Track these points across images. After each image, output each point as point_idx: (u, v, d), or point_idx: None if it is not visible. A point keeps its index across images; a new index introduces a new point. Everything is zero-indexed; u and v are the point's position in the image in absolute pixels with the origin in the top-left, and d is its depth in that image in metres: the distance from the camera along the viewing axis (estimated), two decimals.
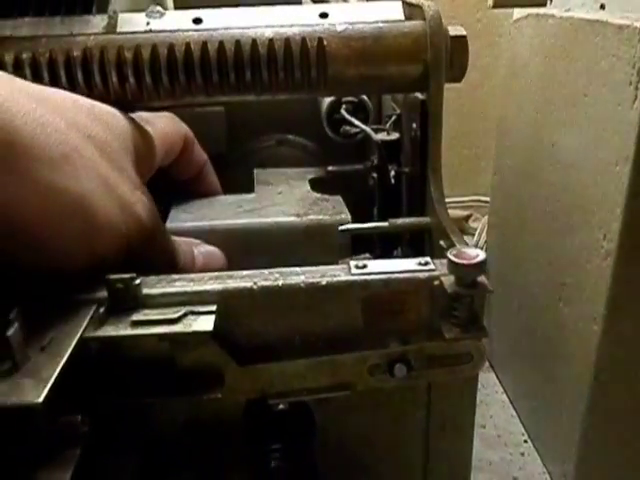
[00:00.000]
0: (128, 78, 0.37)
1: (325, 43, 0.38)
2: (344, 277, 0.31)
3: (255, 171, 0.54)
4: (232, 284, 0.30)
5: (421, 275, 0.31)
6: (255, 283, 0.30)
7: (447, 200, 0.86)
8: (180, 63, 0.37)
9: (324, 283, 0.31)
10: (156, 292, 0.30)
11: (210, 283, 0.30)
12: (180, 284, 0.30)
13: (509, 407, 0.57)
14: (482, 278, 0.29)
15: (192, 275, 0.31)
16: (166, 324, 0.28)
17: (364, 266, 0.32)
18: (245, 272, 0.31)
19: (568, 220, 0.40)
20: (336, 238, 0.41)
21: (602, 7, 0.39)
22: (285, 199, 0.46)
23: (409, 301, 0.31)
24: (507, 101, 0.52)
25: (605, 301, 0.35)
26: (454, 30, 0.40)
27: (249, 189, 0.49)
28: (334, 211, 0.43)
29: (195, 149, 0.45)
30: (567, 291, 0.41)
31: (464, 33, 0.40)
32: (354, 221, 0.43)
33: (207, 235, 0.40)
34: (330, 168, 0.57)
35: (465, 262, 0.29)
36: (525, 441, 0.52)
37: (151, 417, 0.32)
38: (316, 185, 0.51)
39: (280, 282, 0.30)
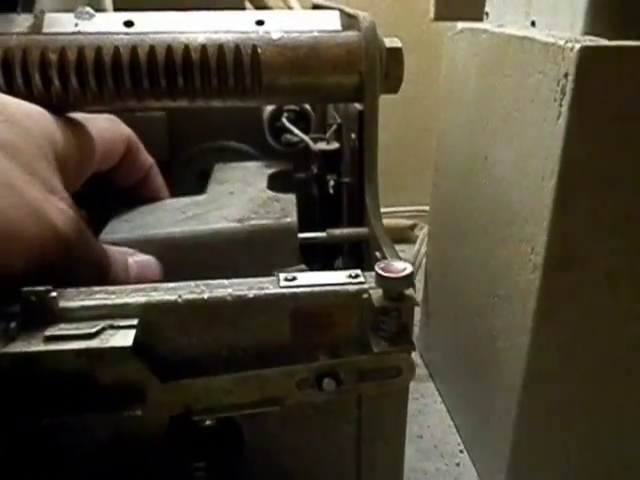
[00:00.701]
0: (53, 81, 0.35)
1: (259, 51, 0.38)
2: (272, 290, 0.30)
3: (215, 166, 0.53)
4: (155, 297, 0.29)
5: (350, 288, 0.31)
6: (180, 296, 0.29)
7: (393, 209, 0.86)
8: (108, 67, 0.36)
9: (251, 296, 0.30)
10: (74, 305, 0.28)
11: (132, 296, 0.29)
12: (100, 297, 0.29)
13: (447, 417, 0.57)
14: (409, 291, 0.29)
15: (113, 287, 0.30)
16: (82, 339, 0.27)
17: (293, 278, 0.31)
18: (170, 284, 0.30)
19: (500, 233, 0.40)
20: (282, 243, 0.40)
21: (533, 24, 0.40)
22: (234, 201, 0.44)
23: (338, 314, 0.31)
24: (445, 114, 0.52)
25: (533, 313, 0.36)
26: (390, 42, 0.40)
27: (191, 192, 0.48)
28: (281, 214, 0.41)
29: (140, 152, 0.43)
30: (499, 303, 0.41)
31: (399, 45, 0.40)
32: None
33: (143, 246, 0.38)
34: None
35: (392, 275, 0.28)
36: (461, 451, 0.52)
37: (72, 436, 0.30)
38: (276, 180, 0.50)
39: (206, 295, 0.30)
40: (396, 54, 0.40)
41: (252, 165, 0.54)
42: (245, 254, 0.40)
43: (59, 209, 0.31)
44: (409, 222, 1.04)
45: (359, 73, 0.39)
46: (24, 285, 0.27)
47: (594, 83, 0.30)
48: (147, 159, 0.44)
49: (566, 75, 0.30)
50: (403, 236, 1.01)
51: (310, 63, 0.38)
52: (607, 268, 0.35)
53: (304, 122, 0.57)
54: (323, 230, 0.45)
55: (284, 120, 0.56)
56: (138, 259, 0.37)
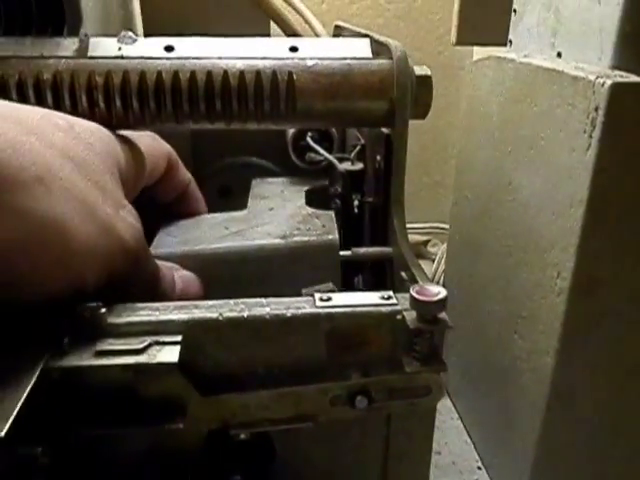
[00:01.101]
0: (98, 103, 0.37)
1: (295, 77, 0.39)
2: (309, 309, 0.31)
3: (253, 181, 0.55)
4: (197, 314, 0.30)
5: (384, 309, 0.32)
6: (220, 314, 0.31)
7: (408, 225, 0.87)
8: (151, 90, 0.37)
9: (289, 315, 0.31)
10: (121, 321, 0.30)
11: (175, 313, 0.30)
12: (145, 313, 0.30)
13: (464, 433, 0.58)
14: (443, 315, 0.30)
15: (157, 304, 0.31)
16: (131, 354, 0.28)
17: (329, 299, 0.32)
18: (210, 302, 0.32)
19: (524, 256, 0.41)
20: (324, 259, 0.41)
21: (559, 55, 0.41)
22: (275, 217, 0.45)
23: (371, 334, 0.32)
24: (466, 137, 0.54)
25: (558, 335, 0.37)
26: (420, 70, 0.42)
27: (213, 210, 0.49)
28: (322, 231, 0.43)
29: (179, 168, 0.45)
30: (522, 324, 0.42)
31: (429, 73, 0.42)
32: None
33: (190, 260, 0.40)
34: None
35: (427, 299, 0.30)
36: (479, 468, 0.53)
37: (112, 448, 0.31)
38: (312, 196, 0.51)
39: (245, 313, 0.31)
40: (426, 82, 0.42)
41: (288, 180, 0.56)
42: (288, 270, 0.41)
43: (128, 223, 0.32)
44: (423, 238, 1.05)
45: (390, 100, 0.40)
46: (94, 298, 0.28)
47: (624, 117, 0.31)
48: (186, 175, 0.46)
49: (596, 109, 0.31)
50: (417, 252, 1.02)
51: (343, 89, 0.40)
52: (633, 293, 0.36)
53: (328, 142, 0.58)
54: (347, 248, 0.46)
55: (309, 139, 0.57)
56: (182, 274, 0.38)
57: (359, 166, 0.54)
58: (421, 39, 0.99)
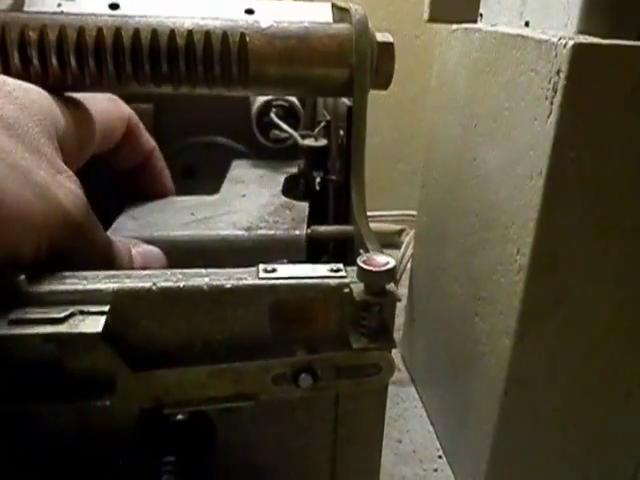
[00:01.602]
0: (32, 61, 0.34)
1: (247, 39, 0.37)
2: (251, 281, 0.29)
3: (233, 162, 0.53)
4: (129, 284, 0.28)
5: (331, 282, 0.30)
6: (154, 283, 0.28)
7: (380, 213, 0.86)
8: (90, 49, 0.35)
9: (229, 286, 0.29)
10: (43, 289, 0.27)
11: (105, 282, 0.28)
12: (71, 282, 0.28)
13: (427, 422, 0.56)
14: (391, 286, 0.29)
15: (86, 273, 0.29)
16: (50, 324, 0.26)
17: (273, 270, 0.30)
18: (145, 272, 0.29)
19: (486, 234, 0.40)
20: (289, 255, 0.39)
21: (527, 24, 0.39)
22: (245, 205, 0.44)
23: (318, 309, 0.30)
24: (435, 114, 0.52)
25: (517, 315, 0.35)
26: (381, 36, 0.40)
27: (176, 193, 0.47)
28: (291, 224, 0.41)
29: (141, 134, 0.42)
30: (482, 305, 0.41)
31: (391, 40, 0.40)
32: None
33: None
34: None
35: (374, 269, 0.28)
36: (440, 457, 0.52)
37: (37, 426, 0.29)
38: (291, 184, 0.50)
39: (181, 283, 0.29)
40: (387, 49, 0.40)
41: (269, 164, 0.54)
42: (249, 263, 0.40)
43: (67, 189, 0.29)
44: (397, 227, 1.03)
45: (349, 67, 0.38)
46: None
47: (586, 81, 0.29)
48: (149, 141, 0.43)
49: (558, 72, 0.29)
50: (390, 241, 1.00)
51: (299, 54, 0.38)
52: (594, 270, 0.34)
53: (293, 118, 0.56)
54: (307, 227, 0.44)
55: (272, 115, 0.55)
56: (141, 250, 0.36)
57: (322, 142, 0.52)
58: (397, 22, 0.97)
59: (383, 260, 0.28)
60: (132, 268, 0.34)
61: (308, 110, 0.61)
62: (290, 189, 0.49)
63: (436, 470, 0.50)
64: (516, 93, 0.35)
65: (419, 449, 0.53)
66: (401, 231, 1.03)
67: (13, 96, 0.30)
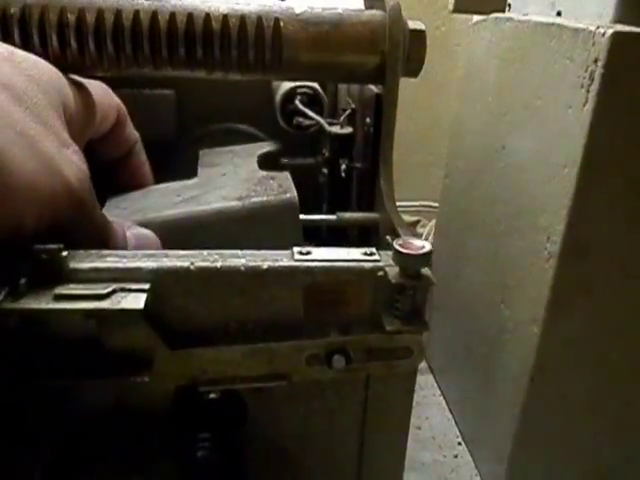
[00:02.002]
0: (70, 42, 0.35)
1: (282, 24, 0.37)
2: (286, 262, 0.30)
3: (200, 152, 0.51)
4: (168, 263, 0.29)
5: (365, 265, 0.30)
6: (192, 263, 0.29)
7: (397, 204, 0.86)
8: (127, 31, 0.35)
9: (265, 267, 0.29)
10: (85, 267, 0.28)
11: (144, 260, 0.29)
12: (112, 260, 0.28)
13: (445, 410, 0.57)
14: (426, 270, 0.29)
15: (125, 252, 0.29)
16: (93, 299, 0.26)
17: (308, 252, 0.31)
18: (183, 252, 0.30)
19: (514, 222, 0.40)
20: (285, 219, 0.39)
21: (559, 14, 0.39)
22: (228, 181, 0.43)
23: (352, 291, 0.31)
24: (461, 104, 0.52)
25: (546, 303, 0.35)
26: (413, 24, 0.40)
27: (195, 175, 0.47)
28: (280, 190, 0.40)
29: (127, 125, 0.42)
30: (509, 293, 0.41)
31: (423, 27, 0.40)
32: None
33: None
34: (283, 161, 0.56)
35: (411, 252, 0.28)
36: (459, 443, 0.52)
37: (77, 401, 0.30)
38: (266, 161, 0.49)
39: (219, 264, 0.29)
40: (419, 36, 0.40)
41: (239, 148, 0.53)
42: (247, 232, 0.39)
43: (72, 163, 0.29)
44: (412, 219, 1.03)
45: (381, 53, 0.38)
46: (34, 242, 0.26)
47: (624, 69, 0.29)
48: (134, 133, 0.43)
49: (596, 61, 0.30)
50: None
51: (332, 40, 0.38)
52: (625, 259, 0.34)
53: (318, 106, 0.56)
54: (332, 213, 0.44)
55: (297, 102, 0.55)
56: (136, 232, 0.36)
57: (348, 130, 0.52)
58: (418, 12, 0.96)
59: (420, 244, 0.28)
60: (125, 249, 0.34)
61: (329, 97, 0.61)
62: (264, 166, 0.48)
63: (456, 456, 0.50)
64: (550, 81, 0.35)
65: (438, 436, 0.53)
66: (416, 222, 1.03)
67: (22, 67, 0.30)
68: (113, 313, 0.26)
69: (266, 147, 0.53)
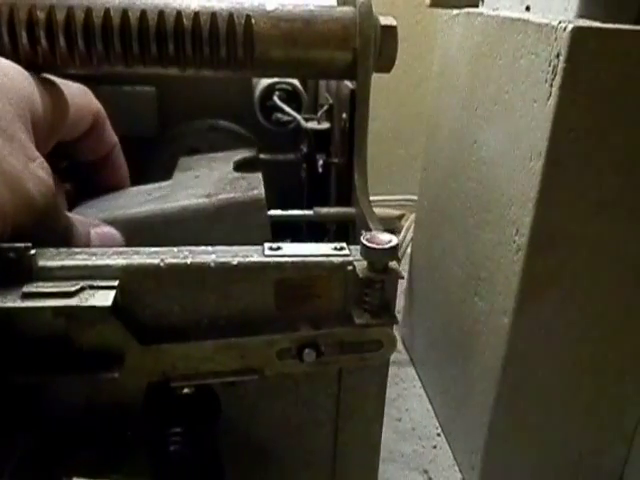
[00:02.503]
0: (40, 41, 0.35)
1: (253, 21, 0.37)
2: (257, 258, 0.30)
3: (179, 160, 0.51)
4: (137, 260, 0.29)
5: (335, 260, 0.31)
6: (162, 260, 0.29)
7: (381, 198, 0.86)
8: (98, 29, 0.35)
9: (235, 263, 0.30)
10: (53, 265, 0.28)
11: (113, 258, 0.29)
12: (81, 257, 0.29)
13: (426, 401, 0.57)
14: (394, 264, 0.29)
15: (95, 249, 0.30)
16: (60, 297, 0.26)
17: (278, 248, 0.31)
18: (153, 249, 0.30)
19: (486, 215, 0.40)
20: (251, 216, 0.39)
21: (527, 9, 0.40)
22: (200, 182, 0.43)
23: (322, 286, 0.31)
24: (437, 98, 0.52)
25: (515, 294, 0.36)
26: (384, 19, 0.40)
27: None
28: (247, 188, 0.41)
29: (106, 128, 0.42)
30: (482, 285, 0.41)
31: (394, 23, 0.40)
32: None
33: None
34: (262, 156, 0.56)
35: (377, 246, 0.28)
36: (438, 434, 0.53)
37: (49, 397, 0.30)
38: (242, 167, 0.49)
39: (189, 260, 0.29)
40: (391, 32, 0.40)
41: (218, 155, 0.53)
42: (214, 229, 0.39)
43: (37, 177, 0.29)
44: (397, 212, 1.04)
45: (353, 49, 0.39)
46: None
47: (585, 64, 0.30)
48: (112, 136, 0.43)
49: (558, 55, 0.30)
50: (390, 226, 1.00)
51: (304, 37, 0.38)
52: (592, 250, 0.35)
53: (295, 102, 0.56)
54: (309, 208, 0.44)
55: (275, 98, 0.55)
56: (100, 231, 0.36)
57: (325, 125, 0.53)
58: (398, 7, 0.97)
59: (386, 238, 0.29)
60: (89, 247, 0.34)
61: (310, 94, 0.61)
62: (240, 170, 0.49)
63: (435, 447, 0.51)
64: (517, 76, 0.35)
65: (418, 427, 0.54)
66: (401, 216, 1.04)
67: None
68: (81, 310, 0.27)
69: (245, 153, 0.53)
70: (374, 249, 0.28)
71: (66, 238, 0.32)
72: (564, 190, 0.33)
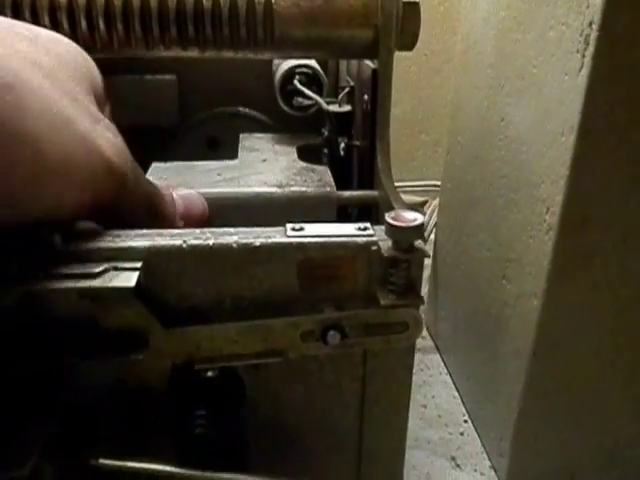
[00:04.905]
0: (62, 24, 0.35)
1: (273, 1, 0.37)
2: (279, 239, 0.30)
3: (240, 135, 0.53)
4: (160, 241, 0.29)
5: (359, 240, 0.30)
6: (185, 242, 0.29)
7: (404, 184, 0.85)
8: (118, 11, 0.35)
9: (257, 244, 0.29)
10: (77, 247, 0.28)
11: (137, 240, 0.29)
12: (105, 239, 0.29)
13: (452, 388, 0.57)
14: (419, 242, 0.29)
15: (119, 231, 0.29)
16: (85, 278, 0.26)
17: (301, 229, 0.31)
18: (176, 231, 0.30)
19: (513, 196, 0.39)
20: (321, 212, 0.40)
21: None
22: (269, 167, 0.44)
23: (346, 266, 0.30)
24: (461, 78, 0.51)
25: (546, 275, 0.35)
26: None
27: (200, 160, 0.47)
28: (319, 183, 0.41)
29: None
30: (510, 267, 0.40)
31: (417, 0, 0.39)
32: None
33: None
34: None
35: (402, 225, 0.28)
36: (465, 421, 0.52)
37: (75, 380, 0.30)
38: (304, 153, 0.50)
39: (211, 242, 0.29)
40: (413, 9, 0.39)
41: (278, 136, 0.54)
42: (282, 219, 0.39)
43: (108, 139, 0.28)
44: (420, 199, 1.02)
45: (375, 27, 0.38)
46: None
47: (619, 32, 0.29)
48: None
49: (590, 24, 0.29)
50: None
51: (325, 15, 0.37)
52: (624, 228, 0.34)
53: (316, 85, 0.56)
54: None
55: (296, 82, 0.55)
56: (182, 194, 0.35)
57: (346, 108, 0.52)
58: None
59: (412, 216, 0.28)
60: (175, 212, 0.34)
61: (331, 77, 0.60)
62: (303, 157, 0.49)
63: (462, 434, 0.50)
64: (546, 49, 0.34)
65: (444, 414, 0.53)
66: (424, 203, 1.03)
67: (48, 47, 0.29)
68: (105, 291, 0.26)
69: (308, 138, 0.54)
70: (399, 227, 0.28)
71: (153, 202, 0.32)
72: (597, 166, 0.32)
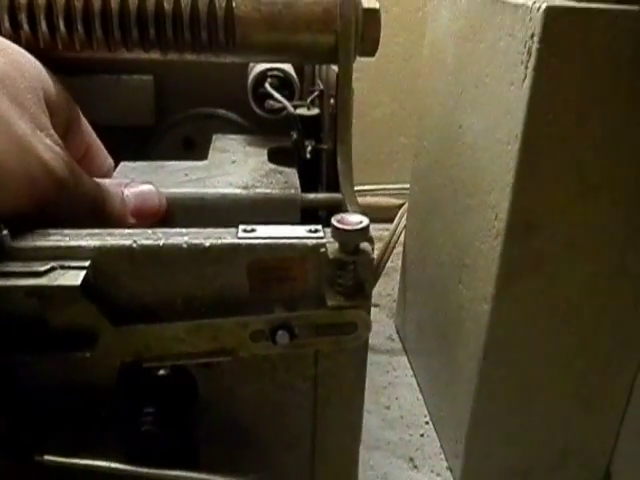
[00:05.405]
0: (22, 25, 0.35)
1: (234, 4, 0.37)
2: (229, 240, 0.30)
3: (214, 136, 0.52)
4: (110, 241, 0.29)
5: (308, 242, 0.30)
6: (135, 241, 0.29)
7: (382, 186, 0.86)
8: (79, 12, 0.35)
9: (207, 245, 0.30)
10: (25, 245, 0.28)
11: (86, 239, 0.29)
12: (54, 238, 0.29)
13: (416, 390, 0.57)
14: (365, 245, 0.29)
15: (68, 230, 0.30)
16: (30, 277, 0.27)
17: (252, 230, 0.31)
18: (127, 230, 0.30)
19: (470, 201, 0.40)
20: (285, 214, 0.40)
21: None
22: (237, 169, 0.44)
23: (296, 268, 0.31)
24: (426, 83, 0.52)
25: (494, 281, 0.36)
26: (367, 2, 0.40)
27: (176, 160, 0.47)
28: (285, 185, 0.41)
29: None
30: (465, 272, 0.41)
31: (377, 6, 0.40)
32: None
33: None
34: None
35: (347, 227, 0.28)
36: (427, 423, 0.53)
37: (23, 378, 0.30)
38: (276, 156, 0.50)
39: (161, 242, 0.29)
40: (373, 15, 0.40)
41: (251, 138, 0.54)
42: (247, 221, 0.40)
43: (46, 145, 0.29)
44: (397, 202, 1.03)
45: (334, 32, 0.38)
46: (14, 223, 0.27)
47: (559, 44, 0.30)
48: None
49: (532, 36, 0.30)
50: (390, 215, 1.00)
51: (285, 20, 0.38)
52: (570, 236, 0.34)
53: (288, 89, 0.56)
54: None
55: (267, 85, 0.55)
56: (135, 190, 0.35)
57: (314, 111, 0.53)
58: None
59: (357, 219, 0.29)
60: (125, 210, 0.34)
61: (308, 80, 0.61)
62: (274, 159, 0.50)
63: (422, 435, 0.51)
64: (496, 58, 0.35)
65: (407, 415, 0.54)
66: (401, 205, 1.03)
67: (9, 56, 0.30)
68: (51, 290, 0.27)
69: (279, 141, 0.54)
70: (344, 230, 0.28)
71: (98, 204, 0.32)
72: (542, 174, 0.32)
